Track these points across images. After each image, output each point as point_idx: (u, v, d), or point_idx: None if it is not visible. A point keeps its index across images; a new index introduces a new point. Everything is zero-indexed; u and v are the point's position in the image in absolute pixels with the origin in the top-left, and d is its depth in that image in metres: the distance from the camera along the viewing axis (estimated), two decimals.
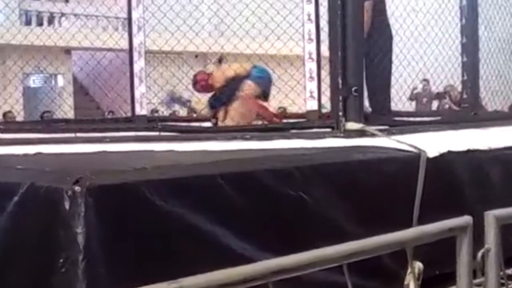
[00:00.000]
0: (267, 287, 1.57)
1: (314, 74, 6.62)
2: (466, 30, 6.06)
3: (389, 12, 6.57)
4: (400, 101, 7.01)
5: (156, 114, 9.31)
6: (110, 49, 8.94)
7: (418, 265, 3.29)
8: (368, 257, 1.78)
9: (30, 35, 9.27)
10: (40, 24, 18.18)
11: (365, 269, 2.71)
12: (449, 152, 3.78)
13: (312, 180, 3.17)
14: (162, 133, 5.31)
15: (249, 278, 1.47)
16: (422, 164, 3.56)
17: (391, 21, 6.53)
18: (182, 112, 10.05)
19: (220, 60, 7.05)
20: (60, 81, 18.96)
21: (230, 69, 6.45)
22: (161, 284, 1.35)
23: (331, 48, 4.42)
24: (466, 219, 2.08)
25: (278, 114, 6.55)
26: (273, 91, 7.84)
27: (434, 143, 3.86)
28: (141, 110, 7.30)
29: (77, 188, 2.43)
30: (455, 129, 5.05)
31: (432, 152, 3.66)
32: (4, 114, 12.65)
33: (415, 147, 3.67)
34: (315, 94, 6.36)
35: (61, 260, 2.42)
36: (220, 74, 6.47)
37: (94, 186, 2.46)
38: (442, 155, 3.71)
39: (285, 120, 6.52)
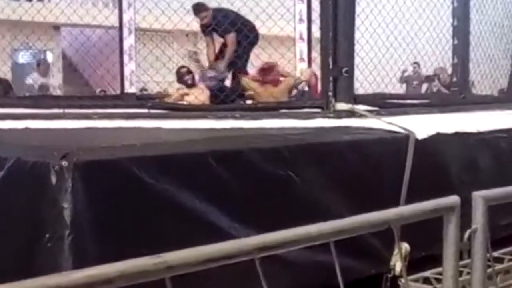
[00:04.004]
0: (254, 264, 1.57)
1: (305, 55, 6.61)
2: (458, 13, 6.05)
3: None
4: (390, 83, 7.01)
5: (145, 92, 9.20)
6: (99, 26, 8.86)
7: (405, 246, 3.29)
8: (354, 236, 1.77)
9: (19, 9, 9.14)
10: None
11: (352, 250, 2.72)
12: (438, 134, 3.78)
13: (301, 160, 3.17)
14: (152, 111, 5.28)
15: (233, 254, 1.46)
16: (410, 145, 3.56)
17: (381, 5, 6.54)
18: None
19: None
20: (49, 57, 18.79)
21: None
22: (145, 258, 1.34)
23: (322, 28, 4.39)
24: (454, 199, 2.07)
25: None
26: None
27: (423, 125, 3.86)
28: (131, 87, 7.26)
29: (64, 163, 2.41)
30: (444, 112, 5.06)
31: (420, 134, 3.66)
32: None
33: (404, 129, 3.67)
34: None
35: (47, 235, 2.41)
36: None
37: (82, 161, 2.45)
38: (430, 137, 3.72)
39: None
